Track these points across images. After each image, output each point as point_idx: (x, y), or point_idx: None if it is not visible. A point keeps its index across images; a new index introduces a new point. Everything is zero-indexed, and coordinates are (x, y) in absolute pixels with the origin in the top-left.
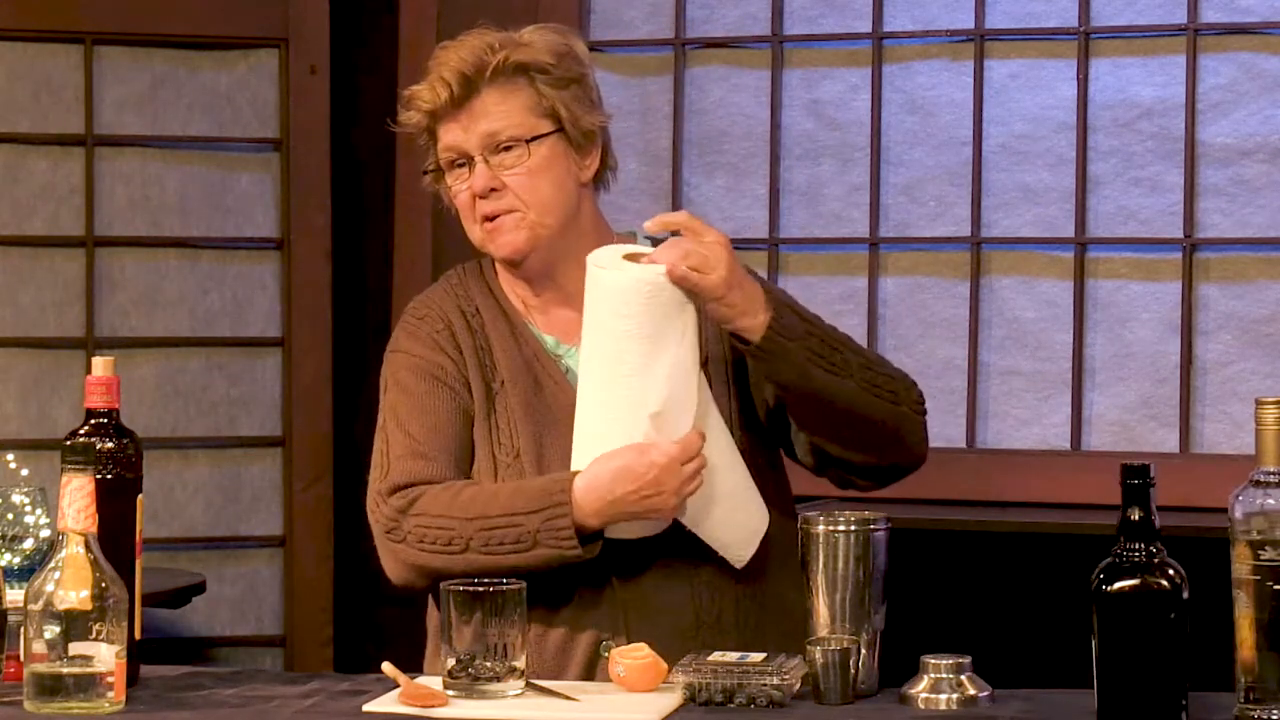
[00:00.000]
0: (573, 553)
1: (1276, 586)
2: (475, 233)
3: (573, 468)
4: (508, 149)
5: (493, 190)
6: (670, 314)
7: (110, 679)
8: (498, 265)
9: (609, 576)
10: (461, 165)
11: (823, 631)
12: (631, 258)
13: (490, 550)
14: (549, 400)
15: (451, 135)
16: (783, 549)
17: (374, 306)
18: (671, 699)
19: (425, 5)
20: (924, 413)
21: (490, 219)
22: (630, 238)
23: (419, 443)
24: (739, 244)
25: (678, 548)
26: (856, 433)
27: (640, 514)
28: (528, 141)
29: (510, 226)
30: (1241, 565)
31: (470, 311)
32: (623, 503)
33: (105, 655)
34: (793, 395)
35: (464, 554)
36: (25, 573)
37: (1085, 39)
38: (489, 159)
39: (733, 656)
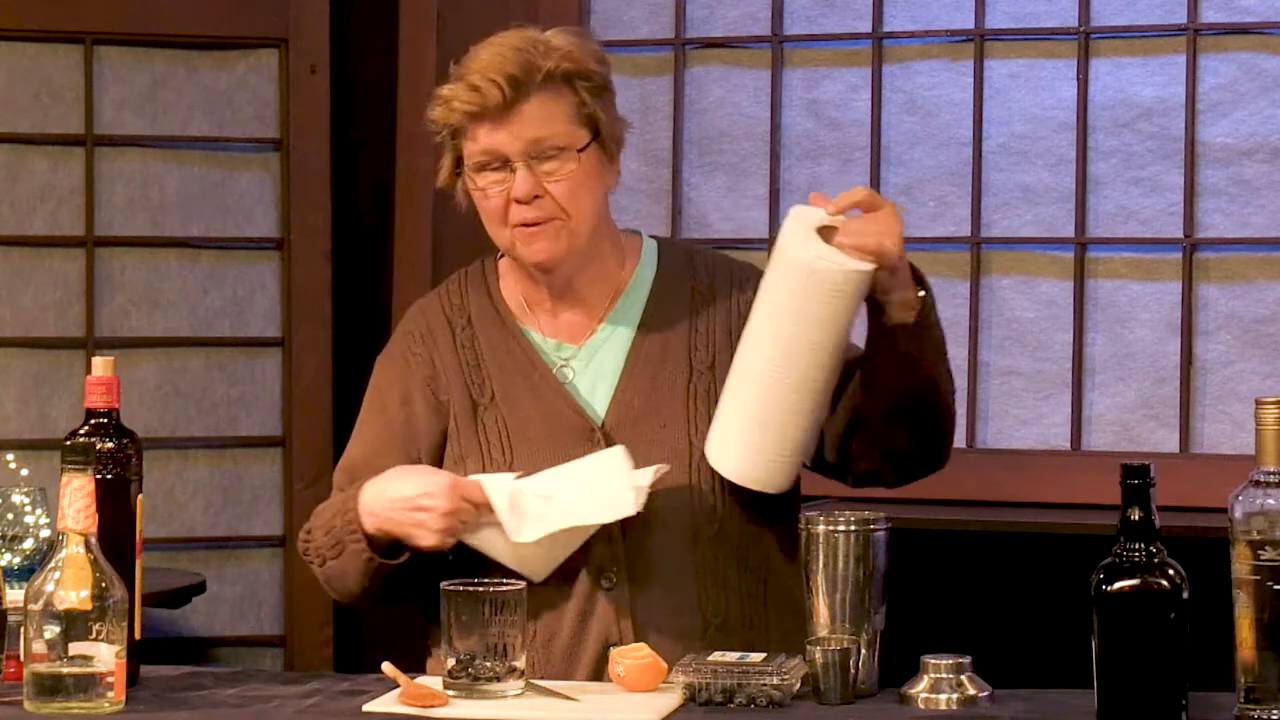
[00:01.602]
0: (365, 554)
1: (1276, 586)
2: (504, 235)
3: (712, 448)
4: (550, 156)
5: (535, 197)
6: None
7: (110, 679)
8: (501, 268)
9: (615, 579)
10: (496, 168)
11: (823, 631)
12: (824, 232)
13: (329, 557)
14: (545, 410)
15: (493, 138)
16: (790, 549)
17: (374, 306)
18: (671, 699)
19: (425, 5)
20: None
21: (527, 225)
22: (635, 236)
23: (347, 471)
24: (739, 244)
25: (682, 549)
26: (931, 419)
27: (401, 536)
28: (578, 151)
29: (550, 234)
30: (1241, 565)
31: (461, 323)
32: (391, 520)
33: (105, 655)
34: (910, 376)
35: (325, 565)
36: (25, 573)
37: (1085, 39)
38: (531, 165)
39: (733, 656)
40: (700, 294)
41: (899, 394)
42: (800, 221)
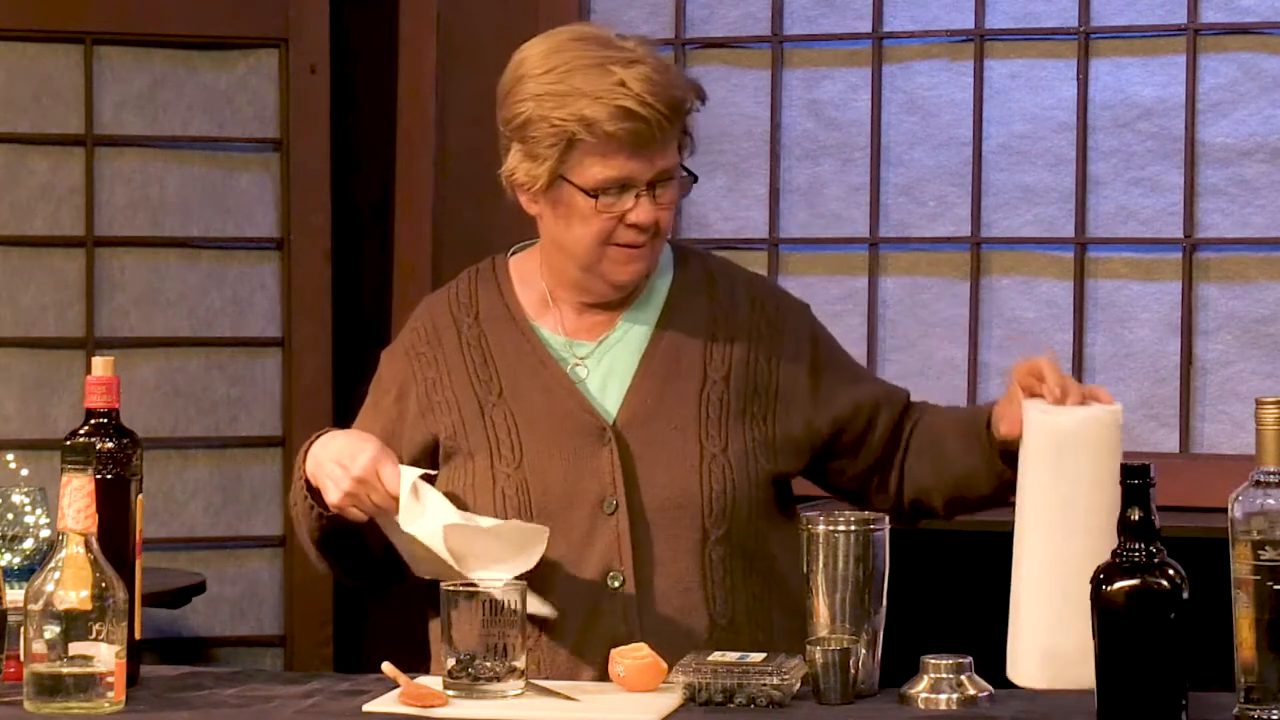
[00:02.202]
0: (305, 496)
1: (1276, 586)
2: (594, 253)
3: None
4: (666, 181)
5: (653, 223)
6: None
7: (110, 679)
8: (514, 268)
9: (623, 579)
10: (618, 191)
11: (823, 631)
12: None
13: (298, 515)
14: (555, 407)
15: (631, 165)
16: (796, 551)
17: (374, 306)
18: (671, 699)
19: (425, 5)
20: None
21: (633, 247)
22: None
23: None
24: (739, 244)
25: (690, 551)
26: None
27: (319, 488)
28: (682, 177)
29: (646, 257)
30: (1241, 565)
31: (468, 321)
32: (315, 470)
33: (105, 655)
34: (997, 498)
35: (299, 527)
36: (25, 573)
37: (1085, 39)
38: (654, 192)
39: (733, 656)
40: (719, 304)
41: (973, 503)
42: (1033, 409)
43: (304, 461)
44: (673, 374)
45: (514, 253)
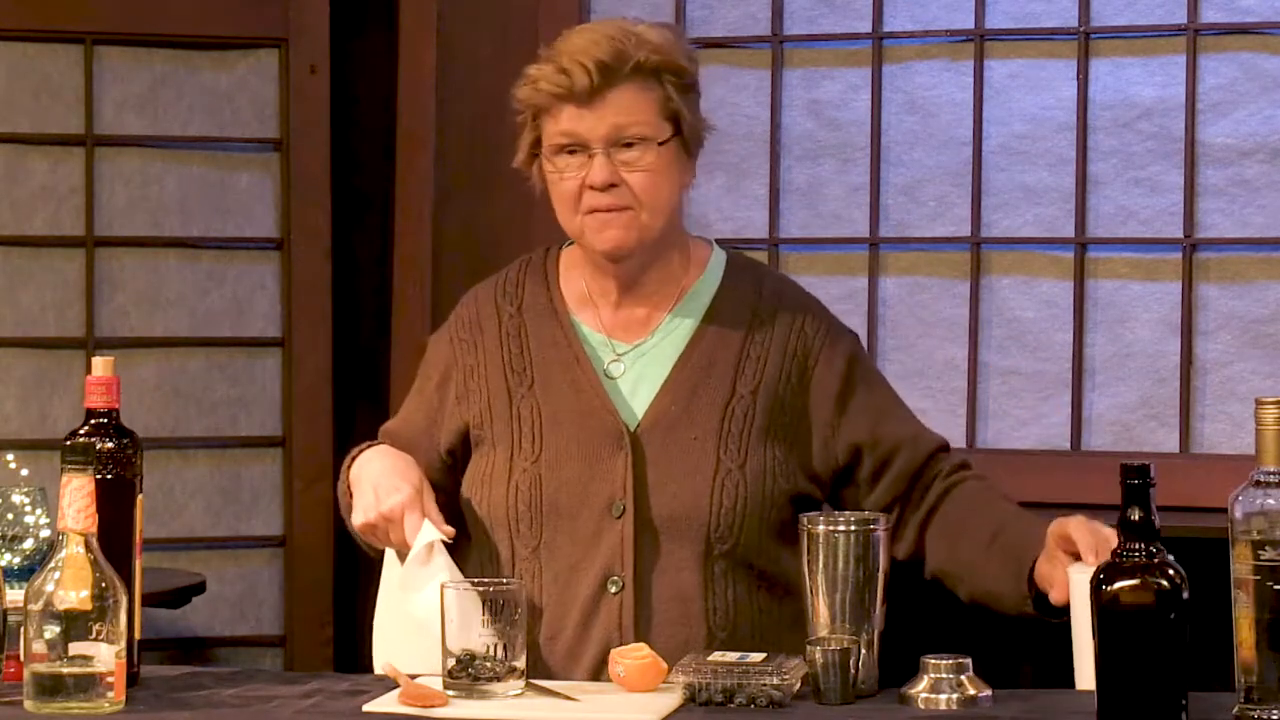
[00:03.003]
0: (345, 499)
1: (1276, 586)
2: (574, 222)
3: None
4: (629, 145)
5: (611, 185)
6: None
7: (110, 679)
8: (564, 258)
9: (622, 583)
10: (573, 152)
11: (823, 631)
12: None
13: (342, 504)
14: (581, 406)
15: (575, 122)
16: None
17: (374, 306)
18: (671, 699)
19: (425, 5)
20: None
21: (599, 212)
22: (706, 244)
23: (388, 434)
24: (739, 244)
25: (692, 562)
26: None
27: (347, 506)
28: (658, 144)
29: (621, 223)
30: (1241, 565)
31: (510, 310)
32: (354, 483)
33: (105, 655)
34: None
35: (347, 517)
36: (25, 573)
37: (1085, 39)
38: (611, 153)
39: (733, 656)
40: (760, 317)
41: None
42: (1076, 573)
43: (350, 465)
44: (702, 384)
45: (569, 244)
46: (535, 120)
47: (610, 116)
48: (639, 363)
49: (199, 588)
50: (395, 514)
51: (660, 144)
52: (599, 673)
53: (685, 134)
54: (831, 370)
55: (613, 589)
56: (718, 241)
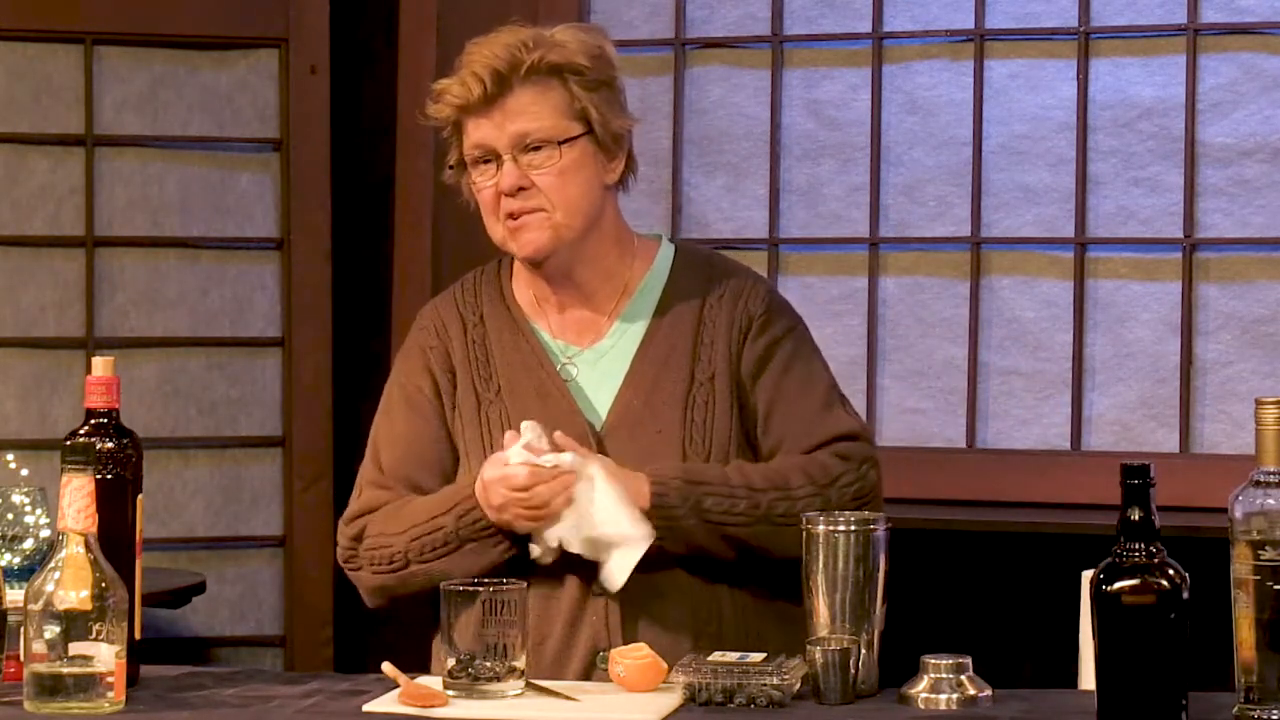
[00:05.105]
0: (497, 548)
1: (1276, 586)
2: (497, 230)
3: None
4: (537, 149)
5: (520, 189)
6: None
7: (110, 679)
8: (515, 266)
9: (602, 590)
10: (488, 162)
11: (823, 631)
12: None
13: (425, 559)
14: (547, 409)
15: (481, 132)
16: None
17: (374, 306)
18: (671, 699)
19: (425, 5)
20: (862, 496)
21: (515, 217)
22: (653, 240)
23: (383, 474)
24: (739, 244)
25: (676, 560)
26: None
27: (506, 523)
28: (559, 144)
29: (535, 225)
30: (1241, 565)
31: (473, 320)
32: (507, 507)
33: (105, 655)
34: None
35: (407, 568)
36: (25, 573)
37: (1085, 39)
38: (518, 158)
39: (733, 656)
40: (712, 304)
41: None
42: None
43: (480, 519)
44: (661, 377)
45: None
46: (457, 135)
47: (511, 123)
48: (600, 363)
49: (199, 588)
50: (510, 481)
51: (562, 143)
52: (588, 675)
53: (596, 131)
54: (755, 346)
55: (596, 591)
56: (716, 241)
